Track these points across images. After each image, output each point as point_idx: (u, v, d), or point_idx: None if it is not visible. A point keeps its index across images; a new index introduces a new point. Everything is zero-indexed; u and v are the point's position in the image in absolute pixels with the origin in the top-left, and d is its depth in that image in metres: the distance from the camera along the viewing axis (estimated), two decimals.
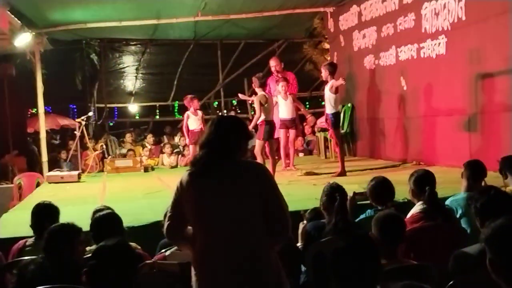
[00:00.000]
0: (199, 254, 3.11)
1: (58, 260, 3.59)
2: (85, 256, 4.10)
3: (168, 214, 3.20)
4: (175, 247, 4.01)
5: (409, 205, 4.89)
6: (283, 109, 10.47)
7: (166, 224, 3.20)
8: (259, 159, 8.85)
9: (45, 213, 4.43)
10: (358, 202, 5.34)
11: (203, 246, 3.09)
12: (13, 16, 10.14)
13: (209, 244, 3.07)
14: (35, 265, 3.55)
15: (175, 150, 14.18)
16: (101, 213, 4.22)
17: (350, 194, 5.11)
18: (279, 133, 10.35)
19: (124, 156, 13.95)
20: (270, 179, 3.21)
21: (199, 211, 3.10)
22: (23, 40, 10.98)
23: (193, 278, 3.12)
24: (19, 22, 10.57)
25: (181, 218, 3.15)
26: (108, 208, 4.50)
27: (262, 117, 9.15)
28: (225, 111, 17.85)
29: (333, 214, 4.37)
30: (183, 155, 13.92)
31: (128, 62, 17.25)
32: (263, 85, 9.76)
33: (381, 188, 4.99)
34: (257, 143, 9.19)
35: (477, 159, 5.60)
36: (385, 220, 3.73)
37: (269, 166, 8.71)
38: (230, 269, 3.01)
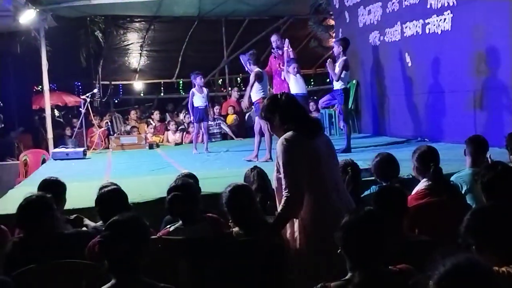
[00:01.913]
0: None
1: (38, 234, 3.67)
2: (88, 230, 4.17)
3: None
4: (180, 223, 4.04)
5: (414, 181, 4.88)
6: (294, 84, 10.18)
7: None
8: (267, 135, 8.81)
9: (51, 189, 4.44)
10: (363, 179, 5.35)
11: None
12: None
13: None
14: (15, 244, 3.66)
15: (180, 127, 14.18)
16: (106, 189, 4.23)
17: None
18: None
19: (128, 133, 13.99)
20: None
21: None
22: (28, 17, 10.95)
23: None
24: None
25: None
26: (114, 184, 4.52)
27: (260, 94, 9.09)
28: (229, 88, 17.82)
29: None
30: (187, 132, 13.93)
31: (133, 39, 17.22)
32: (258, 62, 9.66)
33: (386, 164, 4.98)
34: (262, 121, 9.10)
35: (479, 134, 5.59)
36: (386, 194, 3.74)
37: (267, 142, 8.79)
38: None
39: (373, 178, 5.21)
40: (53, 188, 4.47)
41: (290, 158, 3.61)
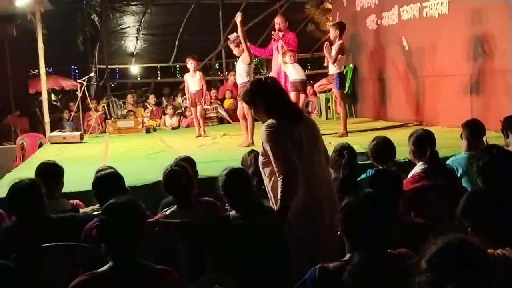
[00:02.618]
0: None
1: (31, 218, 3.70)
2: (90, 213, 4.19)
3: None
4: (175, 206, 4.07)
5: (410, 165, 4.91)
6: (292, 71, 10.14)
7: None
8: (250, 120, 8.81)
9: (49, 173, 4.45)
10: (360, 162, 5.36)
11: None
12: None
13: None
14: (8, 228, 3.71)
15: (177, 111, 14.18)
16: (103, 172, 4.24)
17: None
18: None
19: (124, 117, 13.98)
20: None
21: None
22: (24, 0, 10.88)
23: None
24: None
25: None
26: (111, 167, 4.53)
27: (246, 78, 9.06)
28: (226, 72, 17.77)
29: (340, 170, 4.43)
30: (184, 116, 13.94)
31: (129, 22, 17.16)
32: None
33: (382, 148, 4.99)
34: (244, 105, 8.99)
35: (475, 118, 5.60)
36: (381, 177, 3.78)
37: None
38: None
39: (369, 162, 5.23)
40: (50, 172, 4.49)
41: (277, 141, 3.71)
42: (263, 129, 3.81)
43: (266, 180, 3.91)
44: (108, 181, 4.06)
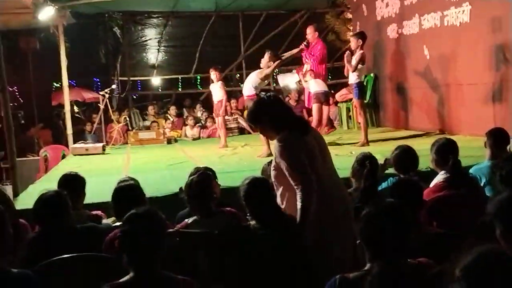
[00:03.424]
0: None
1: (56, 228, 3.75)
2: (110, 224, 4.21)
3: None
4: (197, 216, 4.08)
5: (432, 174, 4.87)
6: (314, 84, 10.25)
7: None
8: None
9: (71, 184, 4.49)
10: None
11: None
12: None
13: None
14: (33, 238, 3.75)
15: (198, 123, 14.25)
16: (122, 184, 4.25)
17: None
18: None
19: (147, 128, 14.08)
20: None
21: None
22: (46, 14, 11.01)
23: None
24: None
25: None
26: (132, 179, 4.54)
27: (254, 91, 9.24)
28: None
29: (362, 180, 4.41)
30: (205, 127, 14.00)
31: (150, 35, 17.29)
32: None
33: (405, 157, 4.96)
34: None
35: (500, 127, 5.54)
36: (402, 186, 3.75)
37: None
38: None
39: (390, 171, 5.19)
40: (73, 183, 4.53)
41: (292, 153, 3.72)
42: (276, 143, 3.81)
43: (278, 193, 3.90)
44: (125, 193, 4.06)
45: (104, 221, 4.60)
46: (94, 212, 4.70)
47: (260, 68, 9.59)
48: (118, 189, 4.14)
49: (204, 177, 4.24)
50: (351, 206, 3.91)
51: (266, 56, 9.59)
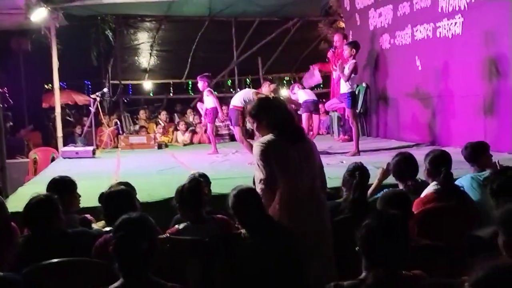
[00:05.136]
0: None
1: (45, 232, 3.73)
2: (101, 230, 4.19)
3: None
4: (188, 222, 4.07)
5: (424, 185, 4.87)
6: (302, 94, 10.77)
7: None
8: (246, 144, 9.24)
9: (61, 188, 4.47)
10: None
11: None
12: None
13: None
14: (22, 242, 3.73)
15: (190, 128, 14.22)
16: (112, 189, 4.21)
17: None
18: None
19: (137, 132, 14.03)
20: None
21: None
22: (39, 15, 10.99)
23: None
24: None
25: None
26: (125, 184, 4.51)
27: (242, 104, 9.42)
28: (238, 89, 17.81)
29: (351, 191, 4.43)
30: (195, 133, 13.98)
31: (143, 38, 17.28)
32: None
33: (405, 164, 4.97)
34: (235, 129, 9.63)
35: (470, 142, 5.56)
36: (390, 198, 3.78)
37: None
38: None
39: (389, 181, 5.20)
40: (63, 186, 4.50)
41: (263, 158, 3.90)
42: (256, 144, 4.03)
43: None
44: (117, 199, 4.04)
45: (93, 225, 4.58)
46: (83, 216, 4.67)
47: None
48: (109, 194, 4.11)
49: (195, 183, 4.24)
50: (327, 223, 4.01)
51: (267, 86, 9.99)
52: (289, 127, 4.05)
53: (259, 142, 4.00)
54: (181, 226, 4.05)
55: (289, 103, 10.74)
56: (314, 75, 12.17)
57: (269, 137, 3.97)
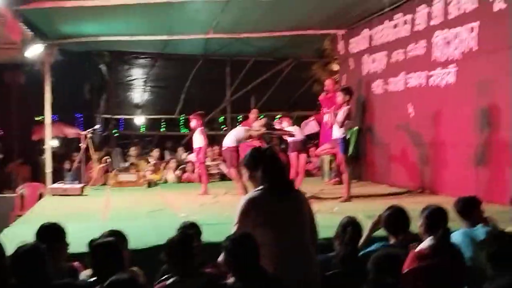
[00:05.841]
0: None
1: (30, 285, 3.63)
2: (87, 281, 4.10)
3: None
4: (177, 277, 3.99)
5: (415, 239, 4.82)
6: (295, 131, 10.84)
7: None
8: (240, 184, 9.48)
9: (50, 235, 4.38)
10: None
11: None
12: (25, 27, 10.12)
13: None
14: None
15: (180, 166, 14.14)
16: (100, 241, 4.13)
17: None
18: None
19: (126, 169, 13.89)
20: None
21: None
22: (34, 51, 10.98)
23: None
24: (31, 33, 10.54)
25: None
26: (116, 233, 4.43)
27: (235, 144, 9.59)
28: (230, 127, 17.81)
29: (343, 246, 4.41)
30: (185, 171, 13.90)
31: (137, 74, 17.33)
32: None
33: (396, 219, 4.92)
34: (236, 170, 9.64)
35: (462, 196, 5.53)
36: (381, 261, 3.83)
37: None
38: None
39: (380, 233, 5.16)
40: (52, 235, 4.41)
41: (241, 216, 3.96)
42: (243, 197, 4.10)
43: None
44: (104, 251, 3.96)
45: (82, 273, 4.48)
46: (71, 264, 4.57)
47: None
48: (97, 245, 4.03)
49: (185, 237, 4.18)
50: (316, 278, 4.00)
51: (255, 113, 10.02)
52: (279, 181, 4.08)
53: (246, 196, 4.06)
54: (169, 281, 3.97)
55: (281, 134, 10.79)
56: (308, 125, 12.17)
57: (258, 192, 4.02)
